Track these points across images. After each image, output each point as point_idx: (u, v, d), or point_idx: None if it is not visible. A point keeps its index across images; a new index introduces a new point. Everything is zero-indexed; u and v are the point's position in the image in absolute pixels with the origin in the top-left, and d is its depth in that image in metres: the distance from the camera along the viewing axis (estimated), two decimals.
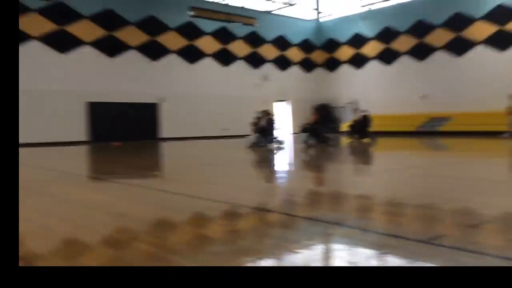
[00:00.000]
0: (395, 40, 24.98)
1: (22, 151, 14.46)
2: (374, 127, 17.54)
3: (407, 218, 3.44)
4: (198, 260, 2.39)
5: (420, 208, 3.75)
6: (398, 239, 2.63)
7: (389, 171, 6.87)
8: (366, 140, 16.16)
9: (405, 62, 24.63)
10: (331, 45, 28.33)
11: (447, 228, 2.98)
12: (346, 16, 27.86)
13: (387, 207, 3.89)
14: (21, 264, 2.36)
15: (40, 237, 3.00)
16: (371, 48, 26.20)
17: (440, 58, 23.12)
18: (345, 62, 27.70)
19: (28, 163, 10.08)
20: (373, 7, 26.56)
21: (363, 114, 16.99)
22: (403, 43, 24.64)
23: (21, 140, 17.57)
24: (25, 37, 18.37)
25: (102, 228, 3.18)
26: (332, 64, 28.44)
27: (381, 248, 2.47)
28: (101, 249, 2.72)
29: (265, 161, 9.95)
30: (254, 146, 13.24)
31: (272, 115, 14.80)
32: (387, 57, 25.42)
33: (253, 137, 13.82)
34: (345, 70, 27.68)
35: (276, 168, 8.58)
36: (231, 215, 3.63)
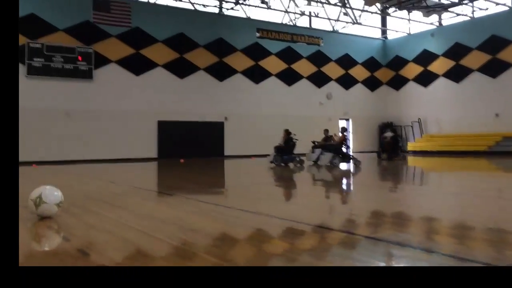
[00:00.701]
0: (466, 57, 24.09)
1: (99, 166, 15.53)
2: (438, 147, 17.17)
3: (474, 241, 3.43)
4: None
5: (489, 231, 3.71)
6: (464, 261, 2.67)
7: (457, 194, 6.71)
8: (396, 159, 16.52)
9: (477, 80, 23.64)
10: (397, 62, 27.82)
11: None
12: (413, 34, 27.33)
13: (454, 230, 3.88)
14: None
15: (117, 247, 3.33)
16: (440, 65, 25.43)
17: None
18: (411, 79, 27.06)
19: (105, 177, 10.84)
20: (444, 23, 25.87)
21: (392, 134, 17.46)
22: (474, 59, 23.70)
23: (97, 156, 18.90)
24: (105, 60, 19.82)
25: (172, 241, 3.47)
26: (397, 82, 27.88)
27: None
28: (169, 259, 2.99)
29: (324, 180, 10.00)
30: (275, 164, 13.77)
31: (291, 134, 14.93)
32: (457, 74, 24.53)
33: (272, 157, 14.28)
34: (412, 88, 27.02)
35: (337, 187, 8.62)
36: (292, 232, 3.80)
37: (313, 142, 15.31)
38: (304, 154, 15.26)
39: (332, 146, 14.23)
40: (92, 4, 19.27)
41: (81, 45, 19.24)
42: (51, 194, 4.40)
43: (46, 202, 4.31)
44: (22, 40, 18.04)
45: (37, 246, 3.56)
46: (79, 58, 19.04)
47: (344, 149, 14.18)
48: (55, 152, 18.28)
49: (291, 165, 14.02)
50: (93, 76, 19.48)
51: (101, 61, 19.72)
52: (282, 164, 13.97)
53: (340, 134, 14.64)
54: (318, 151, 14.34)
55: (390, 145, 16.90)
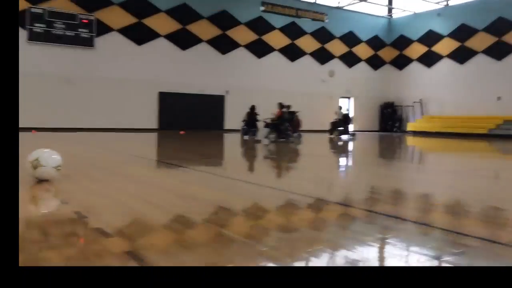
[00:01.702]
0: (471, 38, 23.84)
1: (99, 134, 15.53)
2: (439, 128, 17.42)
3: (470, 219, 3.46)
4: (268, 245, 2.57)
5: (486, 210, 3.74)
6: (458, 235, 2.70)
7: (456, 173, 6.74)
8: (345, 137, 17.33)
9: (481, 62, 23.44)
10: (402, 42, 27.52)
11: None
12: (419, 13, 26.95)
13: (447, 207, 3.92)
14: (97, 234, 2.70)
15: (115, 211, 3.36)
16: (445, 46, 25.17)
17: None
18: (415, 60, 26.83)
19: (104, 146, 10.85)
20: (451, 3, 25.49)
21: (344, 113, 18.20)
22: (480, 41, 23.45)
23: (97, 125, 18.87)
24: (107, 29, 19.58)
25: (170, 207, 3.50)
26: (401, 62, 27.65)
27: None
28: (168, 226, 3.02)
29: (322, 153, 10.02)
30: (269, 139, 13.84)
31: (287, 107, 15.14)
32: (461, 55, 24.31)
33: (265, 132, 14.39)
34: (415, 68, 26.81)
35: (340, 161, 8.65)
36: (286, 204, 3.83)
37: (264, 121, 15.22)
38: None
39: (271, 122, 14.40)
40: None
41: (83, 12, 18.98)
42: (49, 157, 4.41)
43: (44, 165, 4.32)
44: (24, 4, 17.80)
45: (34, 208, 3.58)
46: (84, 21, 18.72)
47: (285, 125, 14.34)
48: (55, 118, 18.25)
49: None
50: (95, 44, 19.29)
51: (103, 29, 19.48)
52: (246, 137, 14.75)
53: (278, 110, 14.81)
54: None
55: (340, 124, 17.77)
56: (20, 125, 14.79)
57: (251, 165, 7.95)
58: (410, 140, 18.60)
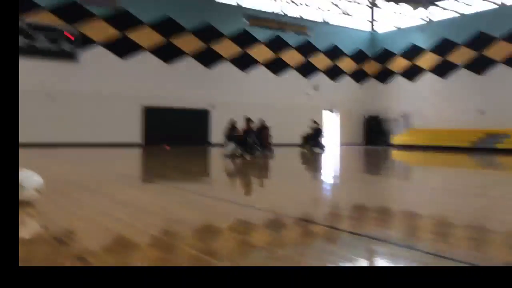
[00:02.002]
0: (453, 52, 24.29)
1: (81, 150, 15.31)
2: (422, 141, 17.70)
3: (455, 238, 3.44)
4: (239, 264, 2.54)
5: (470, 229, 3.73)
6: (445, 260, 2.67)
7: (438, 190, 6.76)
8: (317, 150, 17.58)
9: (462, 75, 23.88)
10: (385, 56, 27.93)
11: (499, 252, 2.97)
12: (402, 28, 27.40)
13: (435, 227, 3.89)
14: (76, 262, 2.61)
15: (95, 235, 3.26)
16: (427, 60, 25.61)
17: (500, 72, 22.26)
18: (398, 73, 27.21)
19: (87, 163, 10.68)
20: (433, 18, 25.97)
21: (316, 127, 18.53)
22: (461, 55, 23.92)
23: (80, 139, 18.61)
24: (90, 41, 19.44)
25: (153, 231, 3.41)
26: (384, 75, 28.02)
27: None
28: (148, 250, 2.93)
29: (310, 169, 10.01)
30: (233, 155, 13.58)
31: (252, 122, 15.05)
32: (443, 69, 24.74)
33: (230, 146, 14.11)
34: (398, 81, 27.19)
35: (322, 177, 8.63)
36: (274, 224, 3.77)
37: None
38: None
39: (235, 136, 14.32)
40: None
41: (65, 25, 18.83)
42: (30, 178, 4.29)
43: (24, 186, 4.20)
44: None
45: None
46: (68, 35, 18.59)
47: (251, 140, 14.29)
48: (37, 134, 17.94)
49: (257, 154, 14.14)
50: (77, 58, 19.12)
51: (86, 42, 19.34)
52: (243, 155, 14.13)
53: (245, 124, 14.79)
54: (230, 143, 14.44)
55: (314, 136, 18.17)
56: None
57: (234, 183, 7.88)
58: (394, 154, 18.75)
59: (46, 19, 18.48)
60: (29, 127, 17.88)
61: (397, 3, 25.20)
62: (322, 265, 2.33)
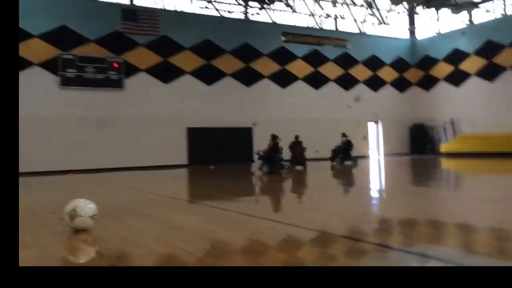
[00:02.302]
0: (499, 54, 23.44)
1: (131, 174, 15.82)
2: (473, 148, 17.12)
3: None
4: None
5: None
6: None
7: (494, 200, 6.52)
8: (348, 163, 17.50)
9: (510, 78, 22.95)
10: (427, 62, 27.31)
11: None
12: (443, 33, 26.79)
13: (493, 241, 3.78)
14: None
15: (147, 260, 3.39)
16: (472, 64, 24.82)
17: None
18: (442, 79, 26.50)
19: (136, 186, 11.04)
20: (474, 21, 25.25)
21: (346, 139, 18.29)
22: (508, 57, 23.03)
23: (130, 164, 19.23)
24: (135, 69, 20.24)
25: (203, 255, 3.51)
26: (428, 82, 27.36)
27: None
28: None
29: (354, 183, 9.89)
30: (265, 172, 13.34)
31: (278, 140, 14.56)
32: (490, 72, 23.88)
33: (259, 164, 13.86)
34: (443, 87, 26.46)
35: (368, 191, 8.51)
36: (321, 242, 3.78)
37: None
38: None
39: (263, 154, 13.98)
40: (120, 14, 19.70)
41: (111, 55, 19.71)
42: (86, 206, 4.51)
43: (81, 215, 4.43)
44: (55, 52, 18.62)
45: (73, 260, 3.66)
46: (115, 65, 19.49)
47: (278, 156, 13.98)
48: (89, 160, 18.71)
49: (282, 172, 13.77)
50: (124, 85, 19.91)
51: (131, 70, 20.15)
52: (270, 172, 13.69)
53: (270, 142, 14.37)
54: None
55: (341, 150, 18.05)
56: (57, 168, 15.23)
57: (278, 202, 7.92)
58: (444, 163, 18.19)
59: (94, 51, 19.42)
60: (82, 154, 18.74)
61: (438, 9, 24.66)
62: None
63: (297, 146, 16.11)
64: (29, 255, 3.55)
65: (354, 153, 18.35)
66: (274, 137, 14.41)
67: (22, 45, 17.96)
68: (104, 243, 4.07)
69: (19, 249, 3.68)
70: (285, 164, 14.13)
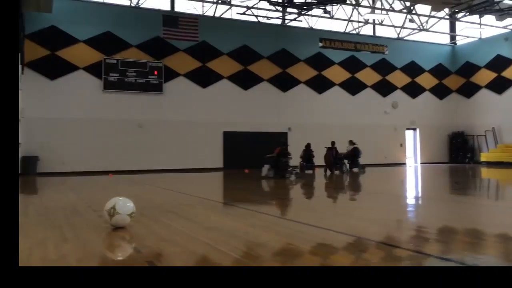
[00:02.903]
0: None
1: (168, 176, 16.15)
2: (507, 157, 16.49)
3: None
4: None
5: None
6: None
7: None
8: (355, 170, 17.71)
9: None
10: (468, 69, 26.57)
11: None
12: (485, 38, 26.02)
13: None
14: None
15: (183, 259, 3.48)
16: None
17: None
18: (484, 86, 25.70)
19: (173, 188, 11.26)
20: None
21: (353, 146, 18.36)
22: None
23: (168, 166, 19.63)
24: (174, 74, 20.72)
25: (237, 255, 3.57)
26: (468, 89, 26.60)
27: None
28: None
29: (387, 190, 9.75)
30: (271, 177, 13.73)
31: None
32: None
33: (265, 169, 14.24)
34: (484, 95, 25.66)
35: (403, 198, 8.38)
36: (355, 248, 3.77)
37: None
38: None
39: (269, 158, 14.47)
40: (161, 21, 20.20)
41: (152, 60, 20.22)
42: (125, 205, 4.66)
43: (120, 213, 4.58)
44: (99, 56, 19.30)
45: (111, 256, 3.80)
46: (155, 72, 20.05)
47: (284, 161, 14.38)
48: (129, 161, 19.27)
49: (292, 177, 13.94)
50: (163, 89, 20.38)
51: (170, 74, 20.61)
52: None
53: (279, 147, 14.97)
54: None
55: (353, 157, 18.17)
56: (98, 169, 15.77)
57: (310, 206, 7.90)
58: (484, 172, 17.63)
59: (135, 55, 19.99)
60: (122, 156, 19.29)
61: (481, 15, 23.93)
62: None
63: (330, 151, 17.07)
64: (68, 250, 3.71)
65: (378, 159, 18.11)
66: (280, 143, 15.34)
67: (69, 50, 18.77)
68: (142, 241, 4.20)
69: (60, 243, 3.88)
70: (292, 169, 14.47)
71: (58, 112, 18.65)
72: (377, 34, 26.00)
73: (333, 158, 16.86)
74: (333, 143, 17.35)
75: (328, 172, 16.65)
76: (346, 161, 17.69)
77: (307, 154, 17.22)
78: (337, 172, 16.65)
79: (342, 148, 18.31)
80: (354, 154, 18.41)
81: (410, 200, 8.41)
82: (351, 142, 18.91)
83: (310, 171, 16.58)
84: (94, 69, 19.34)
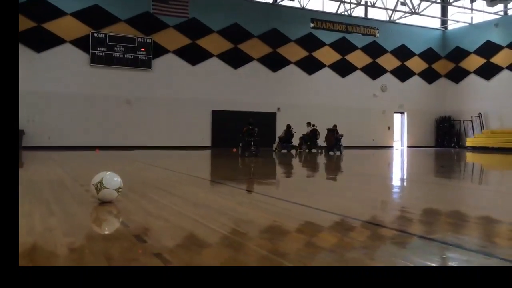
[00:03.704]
0: None
1: (156, 152, 16.10)
2: (500, 143, 16.92)
3: None
4: (307, 265, 2.63)
5: None
6: None
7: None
8: (314, 150, 18.57)
9: None
10: (458, 54, 26.67)
11: None
12: (475, 24, 26.07)
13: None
14: (153, 258, 2.82)
15: (171, 234, 3.50)
16: (504, 57, 24.14)
17: None
18: (472, 72, 25.87)
19: (160, 164, 11.24)
20: (509, 12, 24.47)
21: (312, 128, 19.11)
22: None
23: (155, 143, 19.55)
24: (163, 50, 20.43)
25: (225, 231, 3.60)
26: (457, 75, 26.76)
27: None
28: (219, 249, 3.10)
29: (375, 171, 9.85)
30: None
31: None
32: None
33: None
34: (473, 80, 25.85)
35: (389, 180, 8.48)
36: (341, 226, 3.82)
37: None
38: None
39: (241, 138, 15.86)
40: None
41: (141, 35, 19.91)
42: (112, 179, 4.64)
43: (107, 187, 4.56)
44: (87, 30, 18.92)
45: (98, 230, 3.79)
46: (142, 49, 19.76)
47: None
48: (116, 137, 19.13)
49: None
50: (152, 66, 20.13)
51: (159, 50, 20.33)
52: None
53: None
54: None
55: (311, 138, 19.01)
56: (85, 144, 15.66)
57: (300, 184, 7.96)
58: (469, 157, 17.88)
59: (124, 30, 19.66)
60: (109, 131, 19.13)
61: (473, 1, 23.85)
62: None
63: (332, 132, 17.98)
64: (55, 223, 3.70)
65: (343, 143, 18.36)
66: (249, 123, 16.16)
67: (55, 22, 18.36)
68: (129, 216, 4.20)
69: (46, 217, 3.86)
70: (253, 149, 15.30)
71: (45, 86, 18.36)
72: (368, 16, 25.87)
73: (335, 139, 17.50)
74: (335, 126, 18.11)
75: (331, 153, 17.30)
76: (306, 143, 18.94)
77: (287, 134, 18.64)
78: (331, 153, 17.39)
79: (302, 130, 19.14)
80: (312, 135, 19.10)
81: (396, 182, 8.51)
82: (309, 124, 19.48)
83: (284, 151, 18.18)
84: (81, 43, 18.99)
